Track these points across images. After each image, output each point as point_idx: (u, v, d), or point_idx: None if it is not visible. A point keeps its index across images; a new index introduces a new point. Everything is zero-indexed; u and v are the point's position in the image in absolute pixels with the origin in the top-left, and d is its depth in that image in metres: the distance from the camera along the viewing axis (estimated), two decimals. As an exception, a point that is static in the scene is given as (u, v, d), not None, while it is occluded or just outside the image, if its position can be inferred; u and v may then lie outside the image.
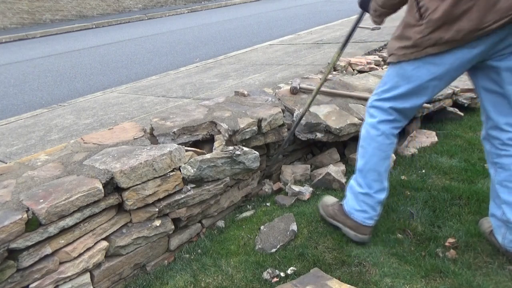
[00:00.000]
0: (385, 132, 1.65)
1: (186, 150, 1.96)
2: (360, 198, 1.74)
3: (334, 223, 1.87)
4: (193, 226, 2.01)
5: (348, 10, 10.37)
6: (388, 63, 1.63)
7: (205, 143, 2.22)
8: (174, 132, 2.09)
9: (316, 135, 2.39)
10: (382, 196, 1.74)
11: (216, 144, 2.06)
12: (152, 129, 2.18)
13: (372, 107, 1.68)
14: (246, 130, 2.13)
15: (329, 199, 1.98)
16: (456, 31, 1.34)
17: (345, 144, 2.68)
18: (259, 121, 2.18)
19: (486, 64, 1.47)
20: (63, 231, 1.52)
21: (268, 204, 2.24)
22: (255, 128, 2.17)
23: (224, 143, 2.08)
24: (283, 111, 2.39)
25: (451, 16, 1.32)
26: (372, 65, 3.71)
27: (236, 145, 2.13)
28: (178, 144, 2.08)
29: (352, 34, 1.92)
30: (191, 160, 1.88)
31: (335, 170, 2.30)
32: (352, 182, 1.80)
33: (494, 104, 1.53)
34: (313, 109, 2.51)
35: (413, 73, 1.51)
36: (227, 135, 2.09)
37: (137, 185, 1.69)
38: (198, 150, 2.05)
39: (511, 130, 1.53)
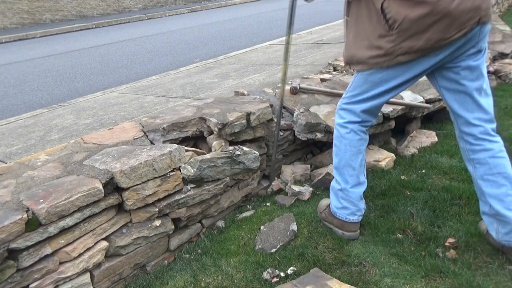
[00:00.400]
0: (353, 129, 1.74)
1: (186, 150, 1.96)
2: (339, 195, 1.82)
3: (327, 225, 1.92)
4: (193, 226, 2.01)
5: (348, 10, 10.34)
6: (357, 71, 1.71)
7: (194, 141, 2.24)
8: (163, 128, 2.10)
9: (316, 135, 2.39)
10: (360, 190, 1.80)
11: (215, 145, 2.06)
12: (142, 126, 2.18)
13: (342, 109, 1.78)
14: (235, 123, 2.14)
15: (324, 202, 2.02)
16: (426, 40, 1.45)
17: (345, 144, 2.68)
18: (248, 115, 2.20)
19: (444, 66, 1.57)
20: (63, 231, 1.52)
21: (268, 204, 2.24)
22: (244, 121, 2.18)
23: (223, 144, 2.08)
24: (271, 106, 2.40)
25: (421, 26, 1.43)
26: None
27: (225, 139, 2.14)
28: (168, 140, 2.09)
29: (293, 11, 2.02)
30: (191, 160, 1.88)
31: (335, 170, 2.30)
32: (332, 182, 1.87)
33: (459, 102, 1.62)
34: (313, 109, 2.51)
35: (382, 79, 1.62)
36: (216, 129, 2.10)
37: (137, 185, 1.69)
38: (198, 150, 2.06)
39: (482, 124, 1.60)
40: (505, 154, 1.61)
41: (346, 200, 1.80)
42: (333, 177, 1.90)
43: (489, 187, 1.60)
